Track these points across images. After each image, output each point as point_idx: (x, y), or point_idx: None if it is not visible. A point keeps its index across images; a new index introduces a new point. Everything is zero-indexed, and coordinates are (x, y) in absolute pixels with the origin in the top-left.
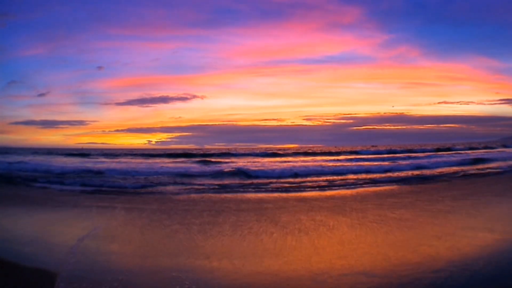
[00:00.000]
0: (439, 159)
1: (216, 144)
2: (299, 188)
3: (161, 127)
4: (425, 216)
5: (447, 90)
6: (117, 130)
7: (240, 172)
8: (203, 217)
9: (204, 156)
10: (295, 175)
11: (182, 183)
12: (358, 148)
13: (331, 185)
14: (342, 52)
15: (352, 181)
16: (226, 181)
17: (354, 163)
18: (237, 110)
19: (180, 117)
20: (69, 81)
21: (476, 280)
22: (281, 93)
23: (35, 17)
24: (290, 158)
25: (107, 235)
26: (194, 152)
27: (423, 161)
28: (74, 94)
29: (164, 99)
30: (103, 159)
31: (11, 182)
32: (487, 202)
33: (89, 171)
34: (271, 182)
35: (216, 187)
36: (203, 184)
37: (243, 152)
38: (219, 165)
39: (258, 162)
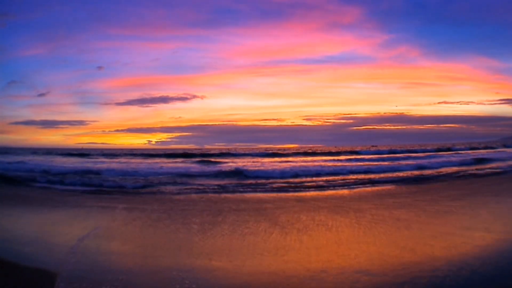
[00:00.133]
0: (439, 159)
1: (216, 144)
2: (299, 188)
3: (161, 127)
4: (424, 216)
5: (447, 90)
6: (117, 130)
7: (240, 172)
8: (203, 217)
9: (204, 156)
10: (295, 175)
11: (182, 183)
12: (358, 148)
13: (330, 185)
14: (342, 52)
15: (351, 181)
16: (226, 181)
17: (354, 163)
18: (237, 110)
19: (180, 117)
20: (69, 81)
21: (475, 279)
22: (281, 93)
23: (35, 17)
24: (290, 158)
25: (107, 235)
26: (194, 152)
27: (423, 161)
28: (74, 94)
29: (164, 99)
30: (103, 159)
31: (11, 182)
32: (486, 202)
33: (89, 171)
34: (270, 182)
35: (216, 187)
36: (203, 184)
37: (243, 152)
38: (219, 165)
39: (258, 162)
